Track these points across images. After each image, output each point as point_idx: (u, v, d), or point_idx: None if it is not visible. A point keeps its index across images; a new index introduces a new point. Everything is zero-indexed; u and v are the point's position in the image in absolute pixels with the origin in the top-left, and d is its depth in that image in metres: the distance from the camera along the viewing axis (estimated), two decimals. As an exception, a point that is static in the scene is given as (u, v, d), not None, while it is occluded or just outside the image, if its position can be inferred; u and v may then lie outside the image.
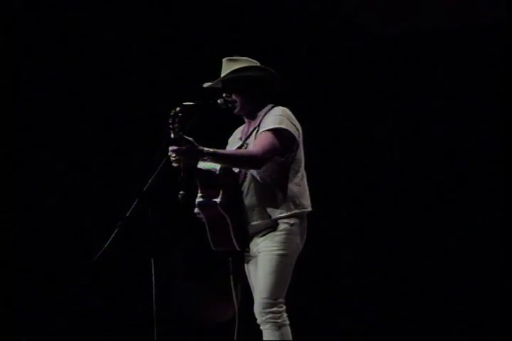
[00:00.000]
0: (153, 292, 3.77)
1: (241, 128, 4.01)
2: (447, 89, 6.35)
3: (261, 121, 3.82)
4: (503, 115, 6.15)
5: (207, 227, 3.85)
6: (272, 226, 3.77)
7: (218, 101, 3.81)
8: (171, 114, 3.62)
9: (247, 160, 3.74)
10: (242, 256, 3.90)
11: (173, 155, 3.63)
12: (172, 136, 3.61)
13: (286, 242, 3.74)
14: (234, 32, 5.99)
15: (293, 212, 3.77)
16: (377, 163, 6.47)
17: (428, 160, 6.36)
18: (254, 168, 3.75)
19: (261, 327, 3.72)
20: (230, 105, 3.83)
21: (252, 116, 3.87)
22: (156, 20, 6.21)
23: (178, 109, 3.62)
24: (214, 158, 3.65)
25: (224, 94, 3.83)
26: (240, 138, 3.94)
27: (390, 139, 6.48)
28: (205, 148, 3.62)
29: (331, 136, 6.23)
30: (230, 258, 3.93)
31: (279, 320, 3.71)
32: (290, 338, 3.73)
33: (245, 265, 3.92)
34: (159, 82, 6.08)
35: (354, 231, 6.42)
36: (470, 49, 6.28)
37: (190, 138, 3.60)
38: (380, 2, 6.28)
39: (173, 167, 3.70)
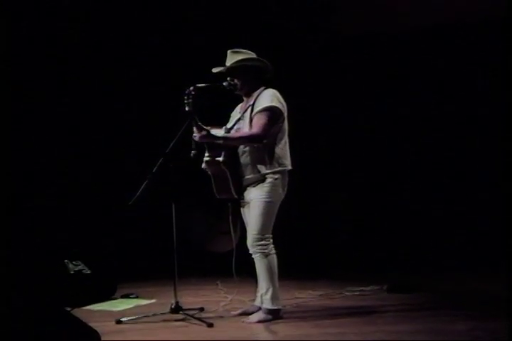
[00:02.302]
0: (174, 229, 4.29)
1: (240, 104, 4.48)
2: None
3: (256, 99, 4.30)
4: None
5: (212, 180, 4.30)
6: (261, 179, 4.22)
7: (224, 83, 4.30)
8: (186, 92, 4.13)
9: (251, 140, 4.22)
10: (239, 202, 4.36)
11: (195, 138, 4.16)
12: (186, 108, 4.11)
13: (271, 192, 4.21)
14: (232, 31, 6.41)
15: (277, 169, 4.23)
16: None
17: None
18: (257, 144, 4.20)
19: (252, 256, 4.25)
20: (232, 87, 4.32)
21: (249, 95, 4.37)
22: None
23: (191, 88, 4.14)
24: (225, 140, 4.18)
25: (228, 78, 4.31)
26: (239, 112, 4.42)
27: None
28: (219, 134, 4.18)
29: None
30: (229, 204, 4.40)
31: (266, 250, 4.20)
32: (275, 264, 4.24)
33: (241, 209, 4.39)
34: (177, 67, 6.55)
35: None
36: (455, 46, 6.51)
37: (208, 128, 4.16)
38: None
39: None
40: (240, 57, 4.31)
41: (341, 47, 6.82)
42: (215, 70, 4.36)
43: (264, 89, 4.34)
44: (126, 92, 6.70)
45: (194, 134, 4.19)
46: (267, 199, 4.21)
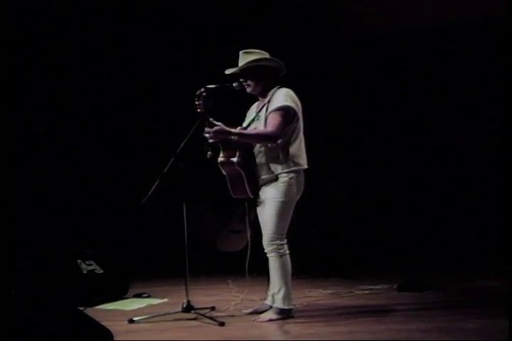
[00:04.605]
0: (185, 228, 4.25)
1: (256, 104, 4.42)
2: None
3: (270, 99, 4.24)
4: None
5: (227, 180, 4.26)
6: (276, 179, 4.17)
7: (233, 84, 4.25)
8: (197, 93, 4.09)
9: (265, 138, 4.17)
10: (255, 201, 4.30)
11: (207, 135, 4.08)
12: (198, 110, 4.08)
13: (286, 191, 4.15)
14: (239, 33, 6.47)
15: (291, 169, 4.18)
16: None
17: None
18: (271, 143, 4.15)
19: (267, 255, 4.21)
20: (246, 87, 4.25)
21: (263, 95, 4.31)
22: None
23: (202, 89, 4.09)
24: (240, 137, 4.11)
25: (241, 79, 4.26)
26: (255, 112, 4.36)
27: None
28: (233, 130, 4.10)
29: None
30: (246, 203, 4.39)
31: (281, 250, 4.16)
32: (289, 264, 4.20)
33: (257, 208, 4.33)
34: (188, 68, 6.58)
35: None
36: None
37: (219, 123, 4.08)
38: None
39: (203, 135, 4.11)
40: (252, 57, 4.26)
41: (347, 49, 6.84)
42: (227, 72, 4.30)
43: (279, 88, 4.29)
44: (136, 93, 6.71)
45: (206, 134, 4.11)
46: (281, 199, 4.17)
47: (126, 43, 6.72)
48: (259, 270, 4.38)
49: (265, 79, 4.28)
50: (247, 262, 4.32)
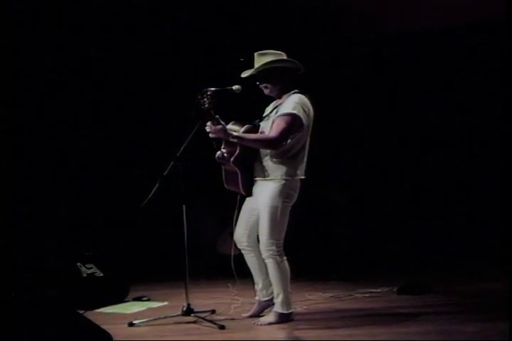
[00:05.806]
0: (185, 230, 4.27)
1: (274, 102, 4.35)
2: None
3: (282, 102, 4.20)
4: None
5: (223, 171, 4.27)
6: (269, 183, 4.16)
7: (234, 87, 4.20)
8: (201, 92, 4.05)
9: (266, 144, 4.15)
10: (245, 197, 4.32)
11: (209, 130, 4.09)
12: (202, 107, 4.04)
13: (275, 198, 4.12)
14: (238, 35, 6.51)
15: (285, 177, 4.15)
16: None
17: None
18: (272, 149, 4.13)
19: (265, 261, 4.21)
20: (263, 89, 4.21)
21: (279, 97, 4.27)
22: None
23: (206, 89, 4.05)
24: (240, 140, 4.10)
25: (257, 82, 4.22)
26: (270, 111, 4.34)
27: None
28: (234, 133, 4.09)
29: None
30: (238, 196, 4.35)
31: (277, 257, 4.15)
32: (288, 269, 4.20)
33: (244, 204, 4.34)
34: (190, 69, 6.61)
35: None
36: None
37: (223, 122, 4.08)
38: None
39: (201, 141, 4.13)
40: (267, 59, 4.18)
41: (346, 49, 6.86)
42: (243, 75, 4.25)
43: (293, 93, 4.22)
44: (135, 95, 6.73)
45: (208, 128, 4.11)
46: (270, 205, 4.15)
47: (127, 44, 6.74)
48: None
49: (281, 81, 4.22)
50: (231, 262, 4.35)
